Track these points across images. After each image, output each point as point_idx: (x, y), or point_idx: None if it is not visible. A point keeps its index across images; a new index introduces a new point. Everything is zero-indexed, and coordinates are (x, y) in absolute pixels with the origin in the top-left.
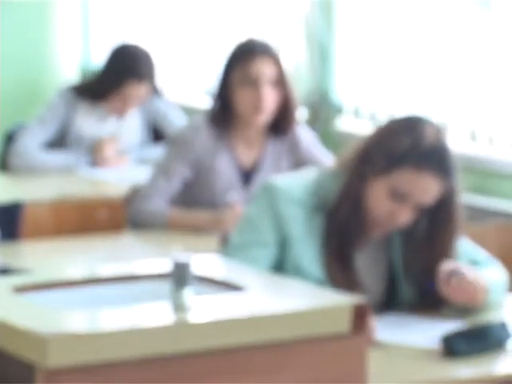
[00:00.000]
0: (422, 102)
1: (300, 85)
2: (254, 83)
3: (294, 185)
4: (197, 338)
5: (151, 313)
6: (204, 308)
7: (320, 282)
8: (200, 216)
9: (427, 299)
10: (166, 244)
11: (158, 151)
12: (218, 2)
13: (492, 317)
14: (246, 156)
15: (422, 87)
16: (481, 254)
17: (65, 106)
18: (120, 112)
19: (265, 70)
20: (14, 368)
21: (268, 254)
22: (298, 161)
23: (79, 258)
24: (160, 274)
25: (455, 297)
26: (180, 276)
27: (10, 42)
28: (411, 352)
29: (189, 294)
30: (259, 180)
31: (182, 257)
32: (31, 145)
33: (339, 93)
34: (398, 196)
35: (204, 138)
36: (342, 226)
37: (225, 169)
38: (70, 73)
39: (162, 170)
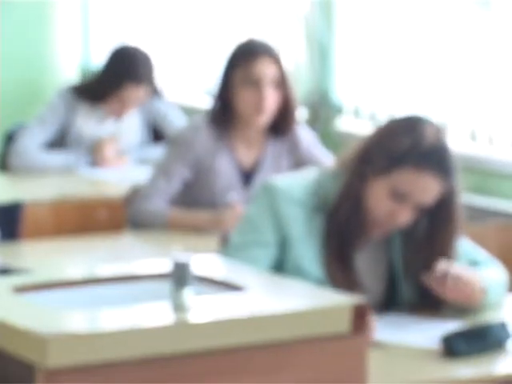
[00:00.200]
0: (422, 101)
1: (300, 85)
2: (255, 84)
3: (294, 185)
4: (197, 338)
5: (151, 313)
6: (204, 308)
7: (320, 282)
8: (200, 216)
9: (427, 299)
10: (165, 244)
11: (157, 151)
12: (218, 2)
13: (492, 317)
14: (246, 156)
15: (422, 87)
16: (481, 254)
17: (65, 106)
18: (118, 114)
19: (266, 70)
20: (14, 368)
21: (268, 254)
22: (298, 161)
23: (79, 258)
24: (160, 274)
25: (451, 297)
26: (180, 276)
27: (10, 42)
28: (411, 352)
29: (189, 293)
30: (259, 180)
31: (182, 257)
32: (31, 145)
33: (339, 93)
34: (398, 196)
35: (204, 138)
36: (342, 226)
37: (225, 169)
38: (70, 73)
39: (162, 170)
